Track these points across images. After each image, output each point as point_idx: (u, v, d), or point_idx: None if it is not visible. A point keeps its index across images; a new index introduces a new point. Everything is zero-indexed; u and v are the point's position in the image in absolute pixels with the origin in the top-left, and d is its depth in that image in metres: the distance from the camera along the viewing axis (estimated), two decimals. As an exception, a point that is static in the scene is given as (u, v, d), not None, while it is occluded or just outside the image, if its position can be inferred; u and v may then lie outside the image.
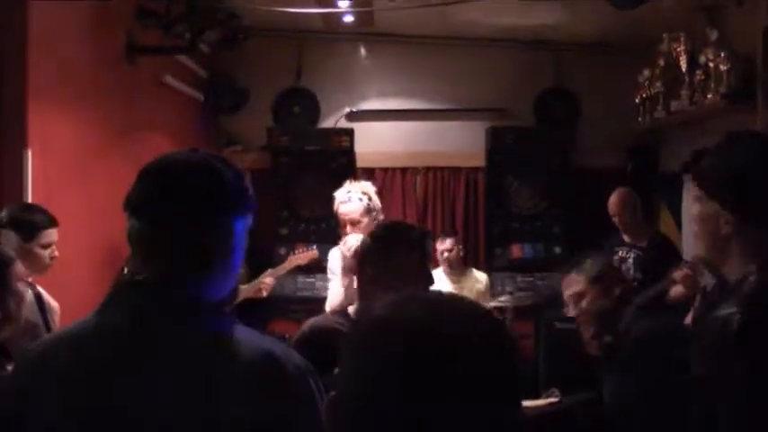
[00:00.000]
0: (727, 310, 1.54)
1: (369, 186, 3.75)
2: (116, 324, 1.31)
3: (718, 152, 1.67)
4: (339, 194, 3.68)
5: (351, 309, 2.31)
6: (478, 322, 0.95)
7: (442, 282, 5.03)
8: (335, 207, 3.69)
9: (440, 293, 1.05)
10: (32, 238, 2.98)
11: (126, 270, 2.17)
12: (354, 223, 3.61)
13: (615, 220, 4.93)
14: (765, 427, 1.52)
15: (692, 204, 1.73)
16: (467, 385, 0.89)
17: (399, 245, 2.26)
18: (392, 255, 2.23)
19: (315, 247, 4.87)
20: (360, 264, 2.30)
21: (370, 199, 3.65)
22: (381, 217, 3.77)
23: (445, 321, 0.93)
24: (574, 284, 2.57)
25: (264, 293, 4.57)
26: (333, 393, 0.96)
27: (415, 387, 0.88)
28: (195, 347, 1.30)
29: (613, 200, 4.95)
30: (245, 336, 1.33)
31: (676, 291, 3.78)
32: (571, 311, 2.61)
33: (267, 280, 4.55)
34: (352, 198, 3.63)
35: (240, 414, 1.25)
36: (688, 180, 1.73)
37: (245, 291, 4.55)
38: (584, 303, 2.56)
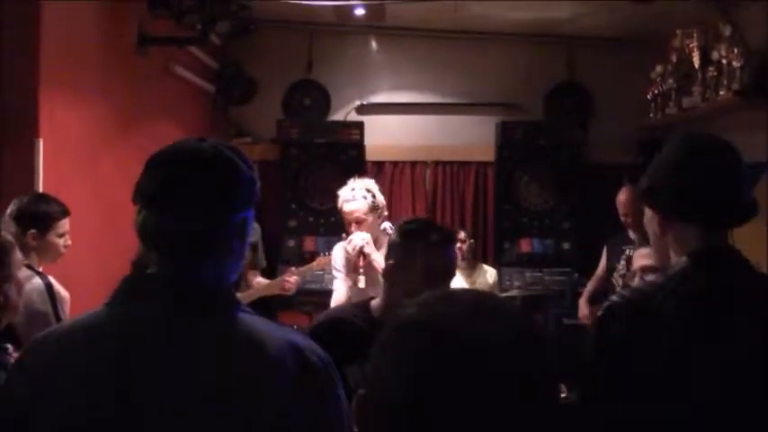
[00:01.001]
0: (612, 296, 1.64)
1: (372, 184, 3.73)
2: (131, 316, 1.30)
3: (654, 156, 1.76)
4: (343, 193, 3.66)
5: (374, 303, 2.28)
6: (512, 320, 0.94)
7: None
8: (339, 205, 3.66)
9: (470, 291, 1.04)
10: (50, 228, 3.05)
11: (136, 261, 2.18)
12: (359, 222, 3.60)
13: (625, 219, 4.90)
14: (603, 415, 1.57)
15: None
16: (500, 384, 0.88)
17: (427, 243, 2.23)
18: (419, 253, 2.20)
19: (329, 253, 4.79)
20: (387, 259, 2.28)
21: (374, 197, 3.64)
22: (386, 213, 3.75)
23: (478, 319, 0.92)
24: (642, 259, 2.53)
25: (289, 292, 4.53)
26: (362, 391, 0.94)
27: (448, 386, 0.87)
28: (214, 339, 1.28)
29: (622, 198, 4.91)
30: (265, 326, 1.32)
31: None
32: (635, 281, 2.60)
33: (293, 279, 4.51)
34: (356, 196, 3.61)
35: (266, 406, 1.24)
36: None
37: (270, 287, 4.52)
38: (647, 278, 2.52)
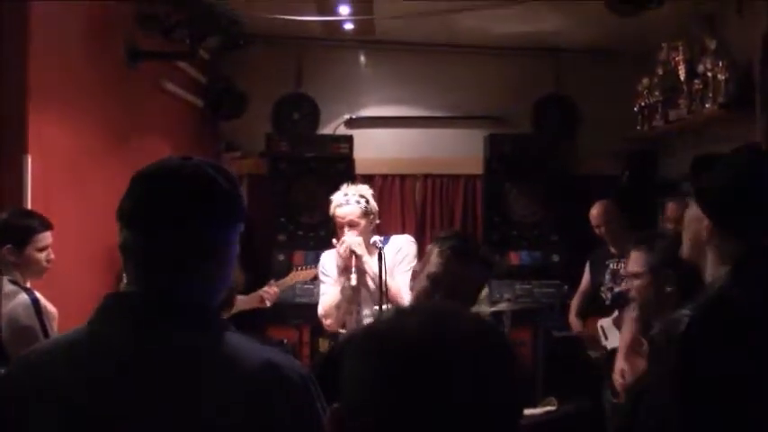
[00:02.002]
0: (682, 311, 1.62)
1: (366, 189, 3.72)
2: (111, 334, 1.30)
3: (717, 164, 1.75)
4: (336, 197, 3.64)
5: None
6: (480, 337, 0.95)
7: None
8: (332, 210, 3.64)
9: (444, 305, 1.05)
10: (28, 243, 3.00)
11: (124, 276, 2.18)
12: (353, 225, 3.57)
13: (598, 231, 4.93)
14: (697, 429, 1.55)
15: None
16: (464, 400, 0.89)
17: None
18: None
19: (315, 266, 4.81)
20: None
21: (367, 202, 3.62)
22: (378, 221, 3.75)
23: (445, 334, 0.93)
24: (634, 263, 2.52)
25: (268, 303, 4.52)
26: (335, 405, 0.96)
27: (410, 400, 0.88)
28: (193, 357, 1.29)
29: (595, 212, 4.94)
30: (244, 344, 1.33)
31: None
32: (623, 286, 2.60)
33: (272, 290, 4.49)
34: (350, 201, 3.60)
35: (241, 422, 1.24)
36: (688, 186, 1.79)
37: (247, 301, 4.51)
38: (635, 284, 2.52)
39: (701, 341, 1.57)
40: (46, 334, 2.93)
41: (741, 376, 1.53)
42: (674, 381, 1.58)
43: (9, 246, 2.96)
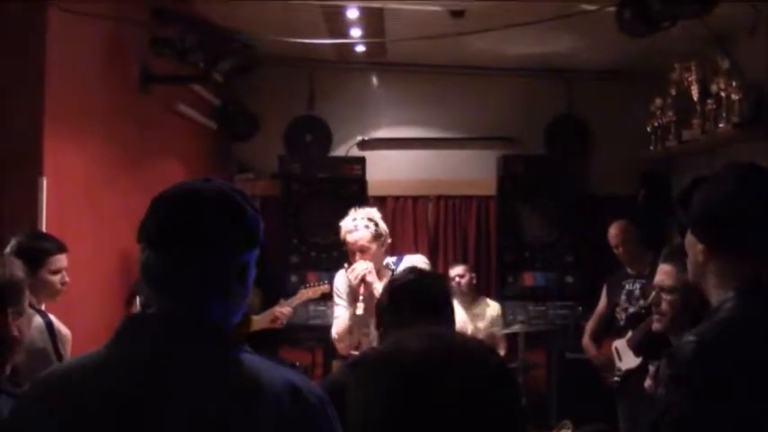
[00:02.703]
0: (688, 337, 1.58)
1: (374, 212, 3.69)
2: (132, 357, 1.30)
3: (702, 186, 1.72)
4: (345, 223, 3.62)
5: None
6: (482, 365, 0.98)
7: (456, 311, 4.99)
8: (342, 236, 3.62)
9: (448, 332, 1.08)
10: (42, 265, 2.99)
11: (137, 298, 2.19)
12: (364, 251, 3.56)
13: (617, 251, 4.90)
14: None
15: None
16: (464, 419, 0.91)
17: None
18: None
19: (327, 282, 4.78)
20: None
21: (376, 225, 3.60)
22: (389, 241, 3.74)
23: (447, 359, 0.96)
24: (667, 277, 2.48)
25: (281, 324, 4.53)
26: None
27: (412, 421, 0.91)
28: (215, 379, 1.29)
29: (614, 232, 4.90)
30: (265, 366, 1.33)
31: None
32: (650, 298, 2.56)
33: (285, 310, 4.50)
34: (359, 226, 3.57)
35: None
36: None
37: (260, 321, 4.52)
38: (667, 298, 2.47)
39: (708, 367, 1.53)
40: (59, 357, 2.93)
41: (750, 406, 1.50)
42: (682, 409, 1.54)
43: (24, 268, 2.96)
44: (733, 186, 1.66)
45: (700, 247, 1.67)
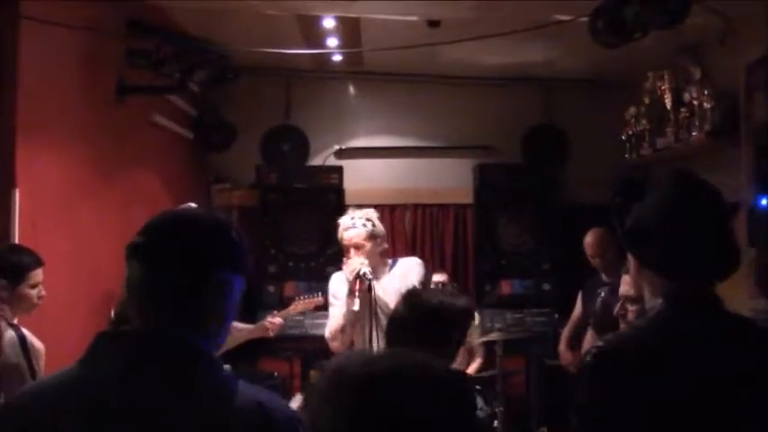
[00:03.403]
0: (597, 342, 1.61)
1: (372, 213, 3.77)
2: (104, 376, 1.30)
3: (634, 199, 1.73)
4: (343, 221, 3.70)
5: None
6: (442, 391, 1.03)
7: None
8: (339, 234, 3.70)
9: (412, 354, 1.09)
10: (22, 280, 2.98)
11: (113, 314, 2.18)
12: (358, 247, 3.62)
13: (593, 260, 4.93)
14: None
15: None
16: None
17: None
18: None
19: (320, 294, 4.67)
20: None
21: (373, 225, 3.68)
22: (386, 245, 3.79)
23: (401, 382, 1.01)
24: (628, 286, 2.49)
25: (271, 334, 4.51)
26: None
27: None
28: (184, 398, 1.29)
29: (590, 240, 4.93)
30: (236, 385, 1.34)
31: None
32: (616, 309, 2.56)
33: (276, 320, 4.48)
34: (356, 224, 3.65)
35: None
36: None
37: (252, 331, 4.48)
38: (633, 308, 2.47)
39: (598, 375, 1.56)
40: (32, 371, 2.90)
41: (634, 414, 1.51)
42: (578, 413, 1.58)
43: (4, 282, 2.95)
44: (660, 202, 1.66)
45: (632, 260, 1.70)
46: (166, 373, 1.30)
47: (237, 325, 4.66)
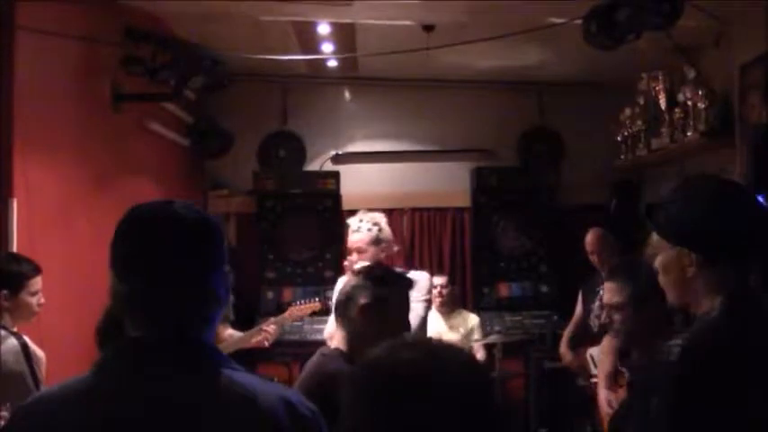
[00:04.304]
0: (672, 341, 1.62)
1: (380, 217, 3.81)
2: (119, 382, 1.30)
3: (674, 201, 1.74)
4: (351, 223, 3.76)
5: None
6: (469, 373, 1.01)
7: (434, 320, 5.02)
8: (346, 235, 3.77)
9: (435, 341, 1.12)
10: (22, 288, 3.00)
11: (101, 320, 2.17)
12: (361, 251, 3.65)
13: (593, 258, 4.95)
14: None
15: (655, 257, 1.79)
16: (454, 425, 0.95)
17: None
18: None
19: (317, 299, 4.77)
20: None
21: (380, 230, 3.70)
22: (396, 248, 3.82)
23: (436, 368, 0.99)
24: (615, 294, 2.49)
25: (267, 343, 4.48)
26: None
27: (406, 423, 0.95)
28: (205, 399, 1.29)
29: (590, 238, 4.97)
30: (256, 382, 1.34)
31: None
32: (602, 317, 2.56)
33: (270, 328, 4.46)
34: (362, 228, 3.68)
35: None
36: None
37: (245, 339, 4.45)
38: (616, 317, 2.46)
39: (695, 369, 1.55)
40: (35, 378, 2.90)
41: (735, 407, 1.52)
42: (669, 411, 1.56)
43: (5, 291, 2.97)
44: (717, 198, 1.70)
45: (689, 258, 1.67)
46: (181, 377, 1.30)
47: (231, 333, 4.65)
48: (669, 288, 1.75)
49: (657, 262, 1.77)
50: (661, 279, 1.76)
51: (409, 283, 2.51)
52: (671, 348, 1.59)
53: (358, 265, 3.60)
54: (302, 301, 4.69)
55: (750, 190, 1.71)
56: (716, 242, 1.66)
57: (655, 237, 1.77)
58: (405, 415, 0.97)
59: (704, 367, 1.55)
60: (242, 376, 1.34)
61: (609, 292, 2.49)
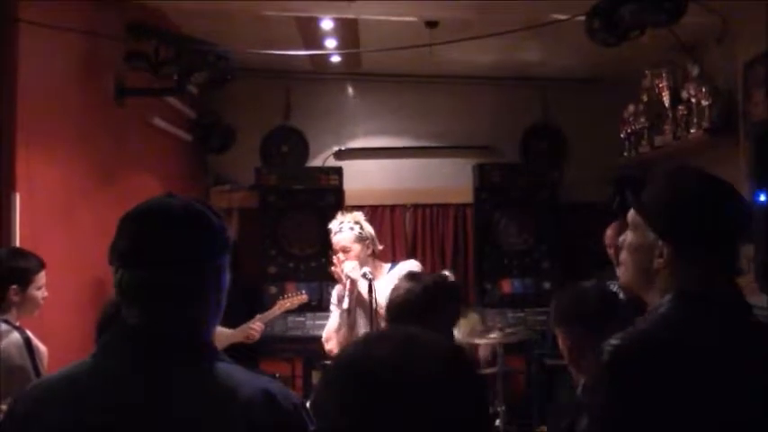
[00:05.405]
0: (609, 340, 1.55)
1: (359, 216, 3.88)
2: (114, 369, 1.33)
3: (659, 185, 1.70)
4: (332, 225, 3.83)
5: None
6: (449, 364, 0.99)
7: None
8: (331, 238, 3.83)
9: (416, 331, 1.07)
10: (30, 283, 3.04)
11: (103, 311, 2.18)
12: (346, 251, 3.74)
13: (610, 251, 4.96)
14: None
15: (627, 233, 1.73)
16: (430, 425, 0.93)
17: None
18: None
19: (303, 291, 4.99)
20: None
21: (361, 228, 3.78)
22: (380, 247, 3.88)
23: (414, 361, 0.97)
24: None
25: (253, 340, 4.61)
26: (312, 427, 1.01)
27: (380, 422, 0.93)
28: (190, 389, 1.32)
29: (610, 232, 4.97)
30: (242, 375, 1.36)
31: None
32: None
33: (256, 325, 4.60)
34: (344, 228, 3.77)
35: None
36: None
37: (234, 336, 4.55)
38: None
39: (623, 370, 1.49)
40: (37, 373, 2.92)
41: (667, 412, 1.46)
42: (600, 414, 1.53)
43: (15, 287, 3.00)
44: (696, 185, 1.65)
45: (660, 248, 1.62)
46: (173, 366, 1.33)
47: (221, 330, 4.70)
48: (629, 268, 1.69)
49: (628, 237, 1.71)
50: (624, 256, 1.71)
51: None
52: (604, 347, 1.53)
53: (347, 264, 3.66)
54: (290, 294, 4.84)
55: (751, 188, 1.67)
56: (695, 237, 1.60)
57: (632, 213, 1.71)
58: (377, 416, 0.94)
59: (630, 371, 1.49)
60: (230, 368, 1.36)
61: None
